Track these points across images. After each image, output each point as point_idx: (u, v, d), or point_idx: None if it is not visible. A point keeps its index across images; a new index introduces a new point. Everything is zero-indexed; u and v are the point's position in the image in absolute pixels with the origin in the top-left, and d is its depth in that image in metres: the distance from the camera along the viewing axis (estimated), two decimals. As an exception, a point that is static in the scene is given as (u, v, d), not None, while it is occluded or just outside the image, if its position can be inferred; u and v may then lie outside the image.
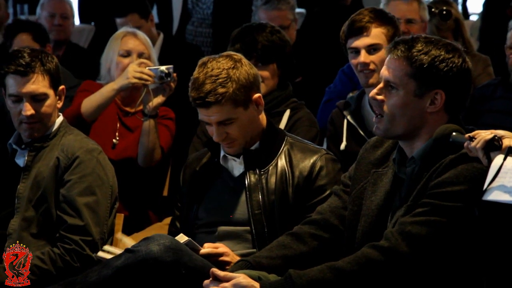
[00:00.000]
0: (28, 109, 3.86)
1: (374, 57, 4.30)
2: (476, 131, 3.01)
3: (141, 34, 5.10)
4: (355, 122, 4.39)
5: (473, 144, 2.98)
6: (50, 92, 3.90)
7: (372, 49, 4.31)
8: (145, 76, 4.77)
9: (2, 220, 3.90)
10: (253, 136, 3.77)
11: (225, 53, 3.76)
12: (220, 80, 3.63)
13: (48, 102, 3.90)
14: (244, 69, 3.69)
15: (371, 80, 4.30)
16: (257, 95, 3.73)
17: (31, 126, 3.90)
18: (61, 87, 3.97)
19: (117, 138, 5.01)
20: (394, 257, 3.02)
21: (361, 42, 4.31)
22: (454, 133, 3.08)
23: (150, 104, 4.79)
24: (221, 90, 3.62)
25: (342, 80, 5.33)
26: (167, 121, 5.04)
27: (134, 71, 4.78)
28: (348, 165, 3.52)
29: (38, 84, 3.87)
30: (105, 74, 5.10)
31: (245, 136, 3.73)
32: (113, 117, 5.03)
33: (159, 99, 4.81)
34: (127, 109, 5.07)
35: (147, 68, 4.80)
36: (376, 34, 4.31)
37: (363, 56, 4.29)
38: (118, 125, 5.03)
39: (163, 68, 4.80)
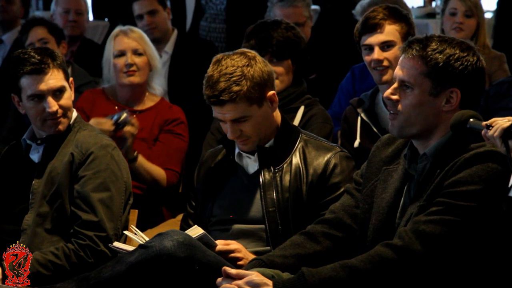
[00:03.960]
0: (53, 105, 3.86)
1: (388, 54, 4.30)
2: (494, 119, 3.00)
3: (134, 31, 5.06)
4: (369, 120, 4.39)
5: (490, 132, 2.97)
6: (66, 85, 3.93)
7: (385, 46, 4.30)
8: (105, 127, 4.61)
9: (16, 215, 3.91)
10: (268, 133, 3.77)
11: (239, 50, 3.76)
12: (234, 78, 3.62)
13: (67, 94, 3.92)
14: (258, 66, 3.68)
15: (385, 77, 4.29)
16: (271, 92, 3.73)
17: (56, 121, 3.90)
18: (70, 79, 3.99)
19: None
20: (408, 256, 3.02)
21: (374, 39, 4.30)
22: (471, 119, 3.06)
23: (122, 151, 4.55)
24: (235, 88, 3.61)
25: (340, 100, 5.36)
26: (178, 128, 5.02)
27: (95, 124, 4.50)
28: (362, 163, 3.51)
29: (56, 78, 3.88)
30: (107, 76, 5.10)
31: (260, 133, 3.73)
32: None
33: (126, 145, 4.69)
34: (130, 108, 5.05)
35: (105, 118, 4.66)
36: (390, 31, 4.30)
37: (377, 53, 4.29)
38: None
39: (116, 116, 4.67)
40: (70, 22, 6.60)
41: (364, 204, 3.35)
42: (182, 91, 6.14)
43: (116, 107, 5.04)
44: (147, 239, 3.52)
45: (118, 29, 5.09)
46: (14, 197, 3.96)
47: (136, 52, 4.99)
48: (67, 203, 3.86)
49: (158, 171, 4.83)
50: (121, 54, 4.99)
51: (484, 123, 3.00)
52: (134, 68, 4.97)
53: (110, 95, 5.09)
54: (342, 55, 6.27)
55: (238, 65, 3.65)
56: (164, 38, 6.32)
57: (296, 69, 4.63)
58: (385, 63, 4.30)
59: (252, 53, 3.75)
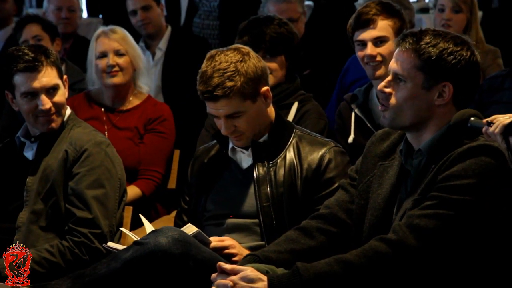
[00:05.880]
0: (46, 103, 3.86)
1: (381, 49, 4.30)
2: (494, 116, 3.01)
3: (116, 31, 5.04)
4: (363, 115, 4.39)
5: (491, 129, 2.98)
6: (60, 82, 3.93)
7: (378, 41, 4.31)
8: None
9: (11, 213, 3.91)
10: (262, 128, 3.77)
11: (233, 46, 3.76)
12: (228, 73, 3.63)
13: (60, 92, 3.92)
14: (252, 62, 3.69)
15: (378, 72, 4.30)
16: (265, 88, 3.73)
17: (49, 118, 3.91)
18: (65, 77, 3.99)
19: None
20: (402, 250, 3.02)
21: (367, 34, 4.31)
22: (472, 118, 3.07)
23: None
24: (229, 83, 3.62)
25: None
26: (160, 126, 5.02)
27: None
28: (356, 158, 3.52)
29: (49, 76, 3.88)
30: (90, 77, 5.10)
31: (254, 129, 3.73)
32: (101, 118, 5.03)
33: None
34: (115, 108, 5.05)
35: None
36: (383, 26, 4.31)
37: (370, 49, 4.29)
38: (106, 126, 5.01)
39: None
40: (62, 20, 6.59)
41: (359, 200, 3.35)
42: (176, 88, 6.14)
43: (103, 109, 5.04)
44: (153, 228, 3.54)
45: (100, 30, 5.08)
46: (8, 194, 3.96)
47: (118, 53, 4.98)
48: (62, 200, 3.86)
49: (132, 192, 4.79)
50: (103, 55, 4.98)
51: (485, 120, 3.02)
52: (116, 68, 4.97)
53: (94, 98, 5.09)
54: (336, 51, 6.28)
55: (231, 60, 3.66)
56: (158, 34, 6.32)
57: (290, 65, 4.63)
58: (378, 58, 4.30)
59: (246, 48, 3.75)
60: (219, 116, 3.68)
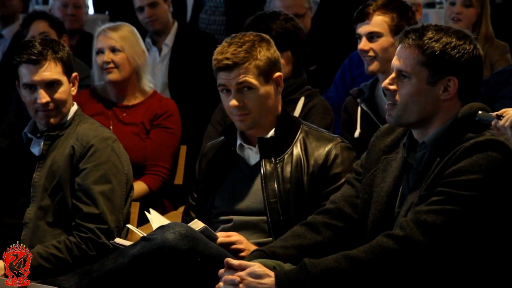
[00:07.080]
0: (43, 97, 3.88)
1: (374, 45, 4.31)
2: (504, 109, 3.02)
3: (116, 29, 5.05)
4: (369, 110, 4.40)
5: (501, 122, 2.98)
6: (63, 79, 3.92)
7: (372, 36, 4.31)
8: None
9: (18, 209, 3.91)
10: (268, 120, 3.75)
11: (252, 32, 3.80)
12: (245, 46, 3.66)
13: (62, 88, 3.92)
14: (270, 45, 3.72)
15: (371, 67, 4.32)
16: (278, 73, 3.74)
17: (47, 113, 3.91)
18: (74, 74, 3.99)
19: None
20: (409, 246, 3.02)
21: (362, 29, 4.34)
22: (480, 112, 3.08)
23: None
24: (245, 54, 3.64)
25: (338, 89, 5.38)
26: (166, 121, 5.03)
27: None
28: (362, 153, 3.52)
29: (51, 71, 3.89)
30: (96, 74, 5.12)
31: (260, 111, 3.70)
32: (107, 113, 5.04)
33: None
34: (121, 103, 5.06)
35: None
36: (377, 22, 4.31)
37: (363, 43, 4.32)
38: (111, 121, 5.02)
39: None
40: (68, 16, 6.60)
41: (364, 194, 3.35)
42: (182, 84, 6.14)
43: (108, 105, 5.04)
44: (167, 221, 3.53)
45: (102, 27, 5.10)
46: (15, 190, 3.97)
47: (114, 50, 4.99)
48: (69, 196, 3.87)
49: (139, 188, 4.80)
50: (100, 51, 5.01)
51: (494, 113, 3.02)
52: (111, 65, 4.98)
53: (100, 94, 5.11)
54: (342, 46, 6.27)
55: (251, 39, 3.69)
56: (164, 30, 6.32)
57: (296, 60, 4.63)
58: (371, 53, 4.32)
59: (265, 35, 3.76)
60: (231, 88, 3.67)
